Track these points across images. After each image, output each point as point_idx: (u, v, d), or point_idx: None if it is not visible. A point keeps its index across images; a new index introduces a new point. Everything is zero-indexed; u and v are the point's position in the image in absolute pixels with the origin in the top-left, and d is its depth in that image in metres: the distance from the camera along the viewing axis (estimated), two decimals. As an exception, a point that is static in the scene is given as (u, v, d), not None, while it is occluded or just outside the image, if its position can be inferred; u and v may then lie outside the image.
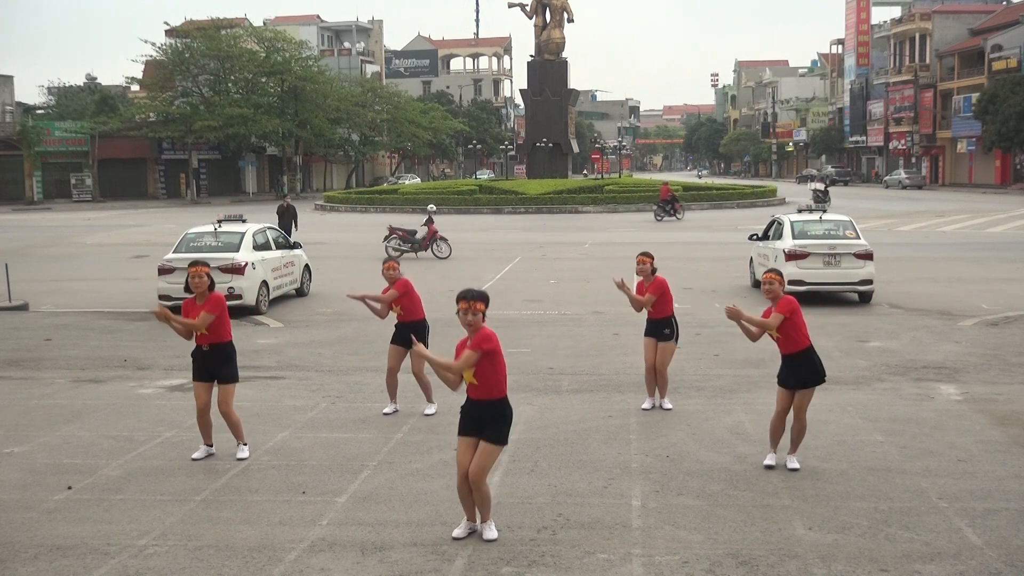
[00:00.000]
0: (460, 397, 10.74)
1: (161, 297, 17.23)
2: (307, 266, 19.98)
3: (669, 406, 10.30)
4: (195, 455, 8.77)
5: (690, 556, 6.48)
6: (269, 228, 18.93)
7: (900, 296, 18.42)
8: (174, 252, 17.43)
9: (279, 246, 18.76)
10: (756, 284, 19.70)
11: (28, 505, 7.62)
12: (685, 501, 7.53)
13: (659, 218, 41.78)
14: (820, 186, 47.54)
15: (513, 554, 6.56)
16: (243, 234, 17.60)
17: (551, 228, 38.08)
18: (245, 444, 8.86)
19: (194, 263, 8.63)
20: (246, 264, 16.86)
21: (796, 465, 8.23)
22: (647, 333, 10.35)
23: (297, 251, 19.58)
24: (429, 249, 26.69)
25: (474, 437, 6.71)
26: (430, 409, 10.26)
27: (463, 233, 33.07)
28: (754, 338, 8.31)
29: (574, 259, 26.06)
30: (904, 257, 25.18)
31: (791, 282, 17.20)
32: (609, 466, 8.39)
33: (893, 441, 9.02)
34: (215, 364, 8.67)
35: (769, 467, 8.25)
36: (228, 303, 15.15)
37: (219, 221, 18.25)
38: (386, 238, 27.33)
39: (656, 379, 10.32)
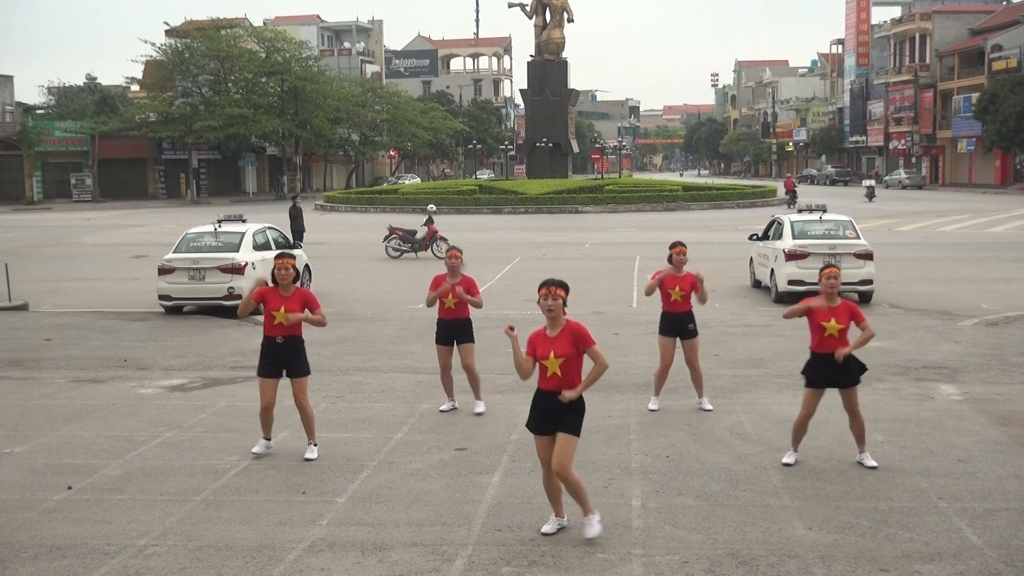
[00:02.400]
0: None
1: (161, 297, 17.24)
2: (307, 266, 19.96)
3: (710, 407, 10.22)
4: (254, 449, 8.79)
5: (690, 556, 6.48)
6: (269, 228, 18.92)
7: (900, 296, 18.41)
8: (174, 252, 17.42)
9: (279, 246, 18.73)
10: (756, 284, 19.71)
11: (28, 505, 7.62)
12: (685, 501, 7.53)
13: (790, 207, 45.96)
14: (873, 182, 58.61)
15: (513, 554, 6.56)
16: (243, 234, 17.60)
17: (551, 228, 38.07)
18: (315, 444, 8.79)
19: (280, 255, 8.68)
20: (246, 264, 16.85)
21: (872, 462, 8.26)
22: (667, 331, 10.17)
23: (297, 251, 19.56)
24: (429, 249, 26.68)
25: (550, 435, 6.73)
26: (480, 407, 10.19)
27: (463, 233, 33.04)
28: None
29: (574, 259, 26.06)
30: (904, 257, 25.18)
31: (791, 282, 17.24)
32: (609, 466, 8.39)
33: (893, 441, 9.02)
34: (289, 356, 8.65)
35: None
36: (228, 303, 15.20)
37: (219, 221, 18.25)
38: (386, 238, 27.33)
39: (692, 376, 10.24)
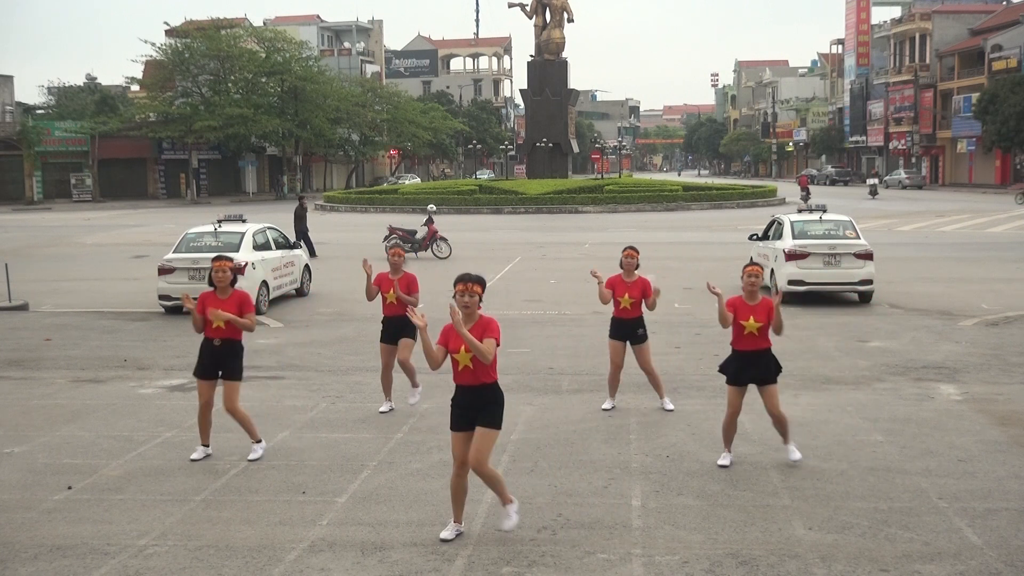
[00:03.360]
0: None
1: (161, 297, 17.24)
2: (307, 266, 19.98)
3: (671, 407, 10.23)
4: (194, 456, 8.76)
5: (690, 556, 6.49)
6: (269, 228, 18.93)
7: (900, 296, 18.41)
8: (174, 252, 17.44)
9: (279, 246, 18.76)
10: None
11: (28, 505, 7.62)
12: (685, 501, 7.53)
13: (805, 202, 47.92)
14: (876, 181, 62.16)
15: (513, 554, 6.56)
16: (243, 234, 17.61)
17: (551, 228, 38.08)
18: (259, 442, 8.79)
19: (218, 258, 8.68)
20: (246, 264, 16.85)
21: (797, 455, 8.33)
22: (616, 336, 10.08)
23: (297, 251, 19.57)
24: (429, 249, 26.68)
25: (468, 431, 6.70)
26: (414, 398, 10.28)
27: (463, 233, 33.07)
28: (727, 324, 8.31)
29: (574, 259, 26.05)
30: (904, 257, 25.18)
31: (791, 282, 17.24)
32: (609, 466, 8.39)
33: (893, 441, 9.02)
34: (224, 359, 8.63)
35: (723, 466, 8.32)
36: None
37: (219, 221, 18.25)
38: (386, 238, 27.33)
39: (650, 380, 10.25)
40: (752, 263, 8.51)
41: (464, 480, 6.79)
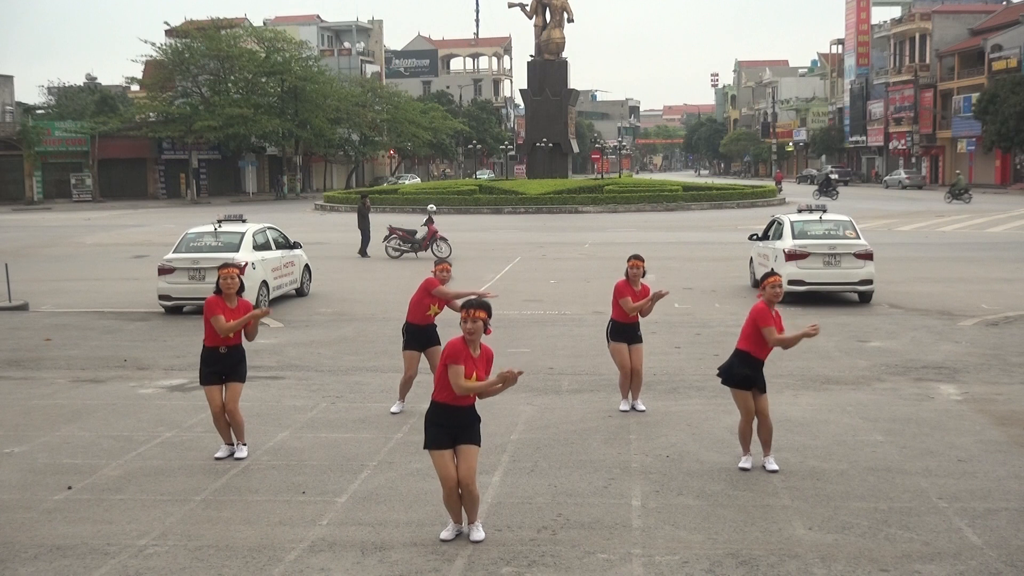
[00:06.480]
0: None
1: (161, 297, 17.24)
2: (307, 266, 19.97)
3: (643, 407, 10.24)
4: (218, 454, 8.77)
5: (690, 556, 6.49)
6: (269, 228, 18.92)
7: (900, 296, 18.41)
8: (174, 252, 17.43)
9: (279, 246, 18.76)
10: (756, 284, 19.67)
11: (28, 505, 7.62)
12: (685, 501, 7.53)
13: (778, 194, 54.33)
14: (835, 176, 65.54)
15: (513, 554, 6.56)
16: (243, 234, 17.60)
17: (551, 228, 38.06)
18: (245, 444, 8.87)
19: (225, 264, 8.69)
20: (246, 264, 16.84)
21: (775, 466, 8.23)
22: (619, 339, 10.14)
23: (297, 251, 19.56)
24: (429, 249, 26.67)
25: (450, 448, 6.68)
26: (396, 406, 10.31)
27: (463, 233, 33.06)
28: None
29: (574, 259, 26.05)
30: (904, 257, 25.18)
31: (791, 282, 17.24)
32: (609, 466, 8.39)
33: (893, 441, 9.02)
34: (231, 365, 8.70)
35: (745, 469, 8.25)
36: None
37: (219, 221, 18.25)
38: (386, 238, 27.33)
39: (634, 380, 10.23)
40: (774, 273, 8.39)
41: (456, 493, 6.75)
